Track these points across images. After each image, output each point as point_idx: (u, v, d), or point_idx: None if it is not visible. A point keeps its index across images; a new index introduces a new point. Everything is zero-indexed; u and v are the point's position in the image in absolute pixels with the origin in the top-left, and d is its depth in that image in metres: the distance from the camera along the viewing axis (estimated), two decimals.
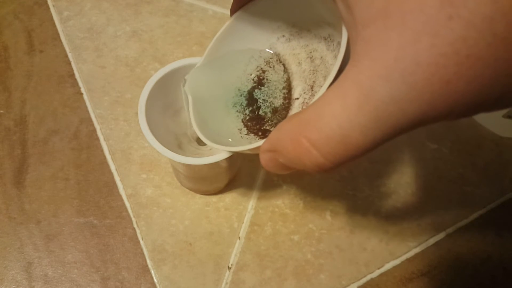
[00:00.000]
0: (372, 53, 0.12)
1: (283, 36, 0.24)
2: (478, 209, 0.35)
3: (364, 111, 0.12)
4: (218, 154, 0.25)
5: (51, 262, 0.32)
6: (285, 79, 0.24)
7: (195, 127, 0.24)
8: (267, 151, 0.17)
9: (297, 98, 0.24)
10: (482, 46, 0.11)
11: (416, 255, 0.33)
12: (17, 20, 0.42)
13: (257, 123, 0.24)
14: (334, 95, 0.13)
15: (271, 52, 0.25)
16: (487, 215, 0.34)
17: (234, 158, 0.30)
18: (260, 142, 0.18)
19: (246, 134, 0.24)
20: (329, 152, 0.14)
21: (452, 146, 0.37)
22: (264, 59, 0.25)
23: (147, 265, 0.32)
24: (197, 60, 0.27)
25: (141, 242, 0.32)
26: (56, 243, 0.32)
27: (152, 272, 0.31)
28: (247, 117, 0.24)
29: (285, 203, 0.34)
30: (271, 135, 0.16)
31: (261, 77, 0.25)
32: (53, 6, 0.42)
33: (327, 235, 0.33)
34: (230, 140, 0.24)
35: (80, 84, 0.38)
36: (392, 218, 0.34)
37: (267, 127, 0.24)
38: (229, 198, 0.34)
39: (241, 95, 0.25)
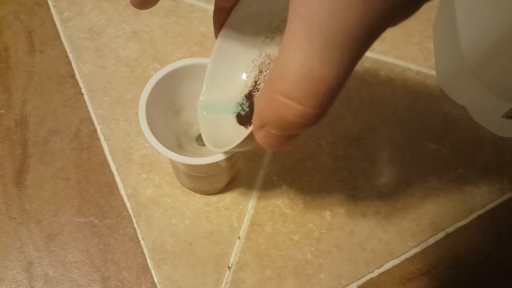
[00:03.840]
0: None
1: (267, 37, 0.25)
2: (478, 209, 0.35)
3: (313, 38, 0.12)
4: (218, 154, 0.25)
5: (52, 262, 0.32)
6: None
7: (210, 147, 0.24)
8: (258, 129, 0.16)
9: None
10: None
11: (416, 254, 0.33)
12: (18, 20, 0.42)
13: None
14: (286, 41, 0.13)
15: (262, 57, 0.26)
16: (487, 215, 0.35)
17: (234, 158, 0.30)
18: (251, 128, 0.18)
19: None
20: (303, 96, 0.13)
21: (452, 146, 0.37)
22: (259, 67, 0.26)
23: (147, 265, 0.32)
24: (197, 61, 0.27)
25: (142, 241, 0.32)
26: (57, 243, 0.32)
27: (153, 271, 0.32)
28: None
29: (285, 203, 0.34)
30: (254, 112, 0.16)
31: (258, 83, 0.25)
32: (54, 6, 0.42)
33: (327, 235, 0.33)
34: None
35: (81, 84, 0.39)
36: (392, 218, 0.34)
37: None
38: (229, 198, 0.34)
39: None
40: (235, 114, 0.26)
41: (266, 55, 0.25)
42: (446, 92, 0.39)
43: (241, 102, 0.26)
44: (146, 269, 0.32)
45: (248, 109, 0.25)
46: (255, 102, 0.19)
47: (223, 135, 0.25)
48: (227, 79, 0.26)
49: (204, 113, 0.26)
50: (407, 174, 0.36)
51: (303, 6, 0.12)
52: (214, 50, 0.25)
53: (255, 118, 0.16)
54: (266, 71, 0.25)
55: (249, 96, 0.26)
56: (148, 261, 0.32)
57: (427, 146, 0.37)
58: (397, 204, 0.34)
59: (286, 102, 0.14)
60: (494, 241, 0.34)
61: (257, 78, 0.26)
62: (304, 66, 0.13)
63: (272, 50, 0.25)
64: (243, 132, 0.25)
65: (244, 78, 0.26)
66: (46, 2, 0.43)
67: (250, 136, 0.19)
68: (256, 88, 0.26)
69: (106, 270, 0.32)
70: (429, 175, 0.36)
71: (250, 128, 0.18)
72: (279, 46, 0.25)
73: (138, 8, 0.20)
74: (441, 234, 0.34)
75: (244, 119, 0.25)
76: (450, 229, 0.34)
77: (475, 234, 0.34)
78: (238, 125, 0.25)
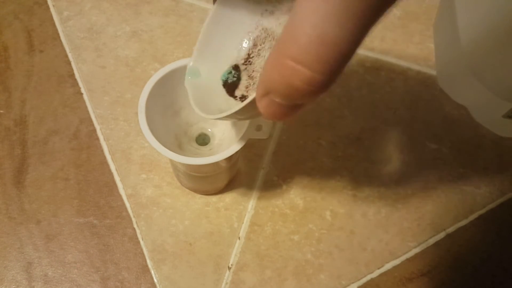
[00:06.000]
0: None
1: (266, 10, 0.24)
2: (478, 209, 0.35)
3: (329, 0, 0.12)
4: (218, 154, 0.25)
5: (51, 262, 0.32)
6: None
7: (201, 113, 0.23)
8: (262, 96, 0.16)
9: None
10: None
11: (416, 255, 0.33)
12: (17, 20, 0.42)
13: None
14: (299, 3, 0.13)
15: (258, 30, 0.25)
16: (487, 215, 0.34)
17: (234, 158, 0.30)
18: (254, 94, 0.17)
19: None
20: (314, 60, 0.13)
21: (452, 146, 0.37)
22: (254, 41, 0.25)
23: (147, 265, 0.32)
24: None
25: (141, 242, 0.32)
26: (56, 243, 0.32)
27: (152, 272, 0.31)
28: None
29: (285, 203, 0.34)
30: (260, 79, 0.15)
31: (252, 56, 0.25)
32: (53, 6, 0.42)
33: (327, 235, 0.33)
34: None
35: (80, 84, 0.38)
36: (392, 218, 0.34)
37: None
38: (229, 198, 0.34)
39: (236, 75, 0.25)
40: (223, 82, 0.25)
41: (263, 29, 0.25)
42: (447, 92, 0.39)
43: (230, 71, 0.25)
44: (145, 269, 0.32)
45: (235, 78, 0.25)
46: (261, 68, 0.19)
47: (212, 103, 0.25)
48: (219, 47, 0.25)
49: (190, 77, 0.25)
50: (407, 174, 0.36)
51: None
52: (210, 15, 0.24)
53: (259, 85, 0.16)
54: (260, 45, 0.25)
55: (237, 68, 0.25)
56: (148, 261, 0.32)
57: (427, 146, 0.37)
58: (398, 204, 0.34)
59: (295, 66, 0.13)
60: (494, 241, 0.34)
61: (250, 51, 0.25)
62: (317, 28, 0.12)
63: (269, 24, 0.25)
64: (233, 102, 0.25)
65: (237, 49, 0.25)
66: (46, 2, 0.42)
67: (251, 104, 0.19)
68: (248, 61, 0.25)
69: (106, 271, 0.32)
70: (430, 175, 0.36)
71: (252, 96, 0.18)
72: (278, 21, 0.24)
73: None
74: (442, 234, 0.34)
75: (231, 88, 0.25)
76: (450, 229, 0.34)
77: (476, 234, 0.34)
78: (227, 94, 0.25)
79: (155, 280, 0.31)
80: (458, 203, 0.35)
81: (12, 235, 0.33)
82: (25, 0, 0.43)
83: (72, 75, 0.39)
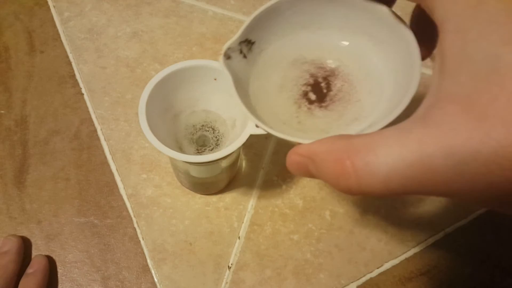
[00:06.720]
0: (445, 127, 0.13)
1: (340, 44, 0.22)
2: (477, 209, 0.35)
3: (413, 170, 0.13)
4: (218, 152, 0.25)
5: (52, 262, 0.32)
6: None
7: (246, 111, 0.20)
8: (302, 155, 0.17)
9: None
10: None
11: (415, 254, 0.33)
12: (18, 20, 0.42)
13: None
14: (394, 139, 0.14)
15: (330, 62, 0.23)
16: (486, 215, 0.35)
17: (234, 158, 0.30)
18: (305, 141, 0.18)
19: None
20: (366, 184, 0.15)
21: None
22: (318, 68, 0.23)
23: (147, 265, 0.32)
24: (197, 63, 0.27)
25: (142, 241, 0.32)
26: (57, 243, 0.32)
27: (153, 271, 0.32)
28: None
29: (285, 203, 0.34)
30: (313, 145, 0.17)
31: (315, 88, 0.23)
32: (54, 7, 0.43)
33: (327, 234, 0.33)
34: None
35: (81, 84, 0.39)
36: (391, 218, 0.34)
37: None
38: (229, 198, 0.34)
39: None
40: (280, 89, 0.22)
41: (326, 71, 0.23)
42: None
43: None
44: (146, 269, 0.32)
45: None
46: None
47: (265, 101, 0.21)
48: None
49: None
50: None
51: (430, 146, 0.13)
52: (267, 6, 0.20)
53: (307, 149, 0.17)
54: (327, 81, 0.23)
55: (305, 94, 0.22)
56: (148, 261, 0.32)
57: None
58: (397, 204, 0.35)
59: (351, 174, 0.15)
60: (493, 241, 0.34)
61: (310, 80, 0.23)
62: (388, 175, 0.14)
63: (346, 58, 0.22)
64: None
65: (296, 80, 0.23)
66: (46, 3, 0.43)
67: (289, 142, 0.19)
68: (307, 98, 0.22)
69: (106, 270, 0.32)
70: None
71: (300, 140, 0.18)
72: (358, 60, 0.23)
73: None
74: (441, 234, 0.34)
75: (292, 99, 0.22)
76: (449, 229, 0.34)
77: (474, 234, 0.34)
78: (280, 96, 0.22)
79: (156, 280, 0.31)
80: (457, 203, 0.35)
81: None
82: (25, 1, 0.43)
83: (73, 76, 0.39)
